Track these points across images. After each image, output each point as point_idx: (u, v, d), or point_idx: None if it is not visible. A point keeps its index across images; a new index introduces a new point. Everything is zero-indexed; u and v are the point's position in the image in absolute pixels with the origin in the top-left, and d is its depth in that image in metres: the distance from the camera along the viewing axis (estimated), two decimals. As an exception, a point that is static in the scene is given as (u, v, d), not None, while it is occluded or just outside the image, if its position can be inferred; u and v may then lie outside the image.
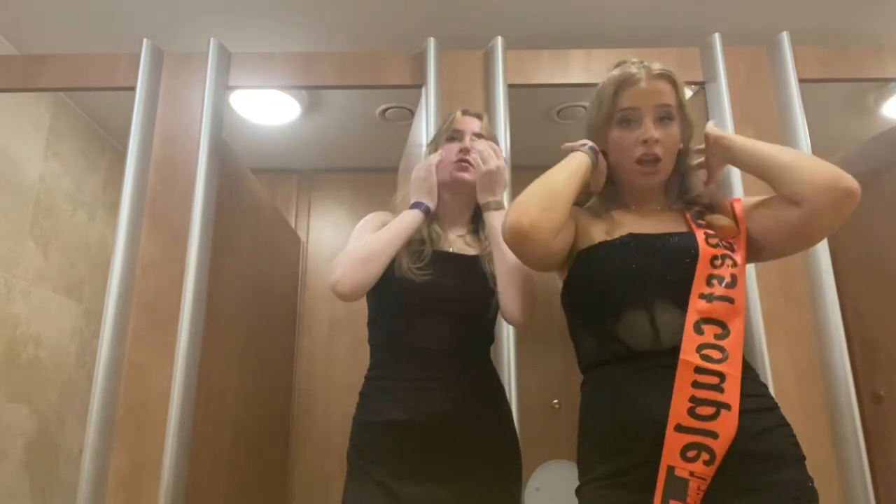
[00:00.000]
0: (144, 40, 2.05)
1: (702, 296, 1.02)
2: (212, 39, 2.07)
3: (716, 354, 0.97)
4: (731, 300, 1.01)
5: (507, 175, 1.47)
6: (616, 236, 1.11)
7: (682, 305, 1.02)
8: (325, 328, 3.14)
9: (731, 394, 0.95)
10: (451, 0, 2.19)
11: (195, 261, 1.84)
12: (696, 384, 0.95)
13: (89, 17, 2.23)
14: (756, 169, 1.07)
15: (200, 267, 1.85)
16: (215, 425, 1.99)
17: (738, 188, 1.85)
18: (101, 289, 1.95)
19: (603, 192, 1.21)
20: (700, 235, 1.08)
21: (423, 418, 1.27)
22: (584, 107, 2.75)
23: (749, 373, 1.03)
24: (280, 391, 2.86)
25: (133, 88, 2.00)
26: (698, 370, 0.96)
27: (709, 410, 0.94)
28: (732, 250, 1.07)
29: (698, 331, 0.99)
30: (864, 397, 2.13)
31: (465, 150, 1.41)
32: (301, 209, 3.34)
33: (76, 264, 2.77)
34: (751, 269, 1.80)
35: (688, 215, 1.15)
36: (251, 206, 2.43)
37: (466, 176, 1.40)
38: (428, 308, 1.32)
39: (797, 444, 1.00)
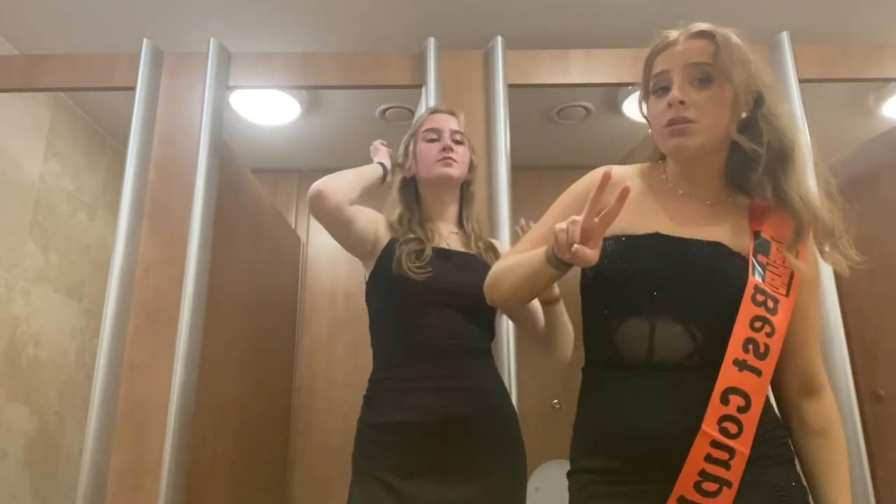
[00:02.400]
0: (144, 40, 2.05)
1: (735, 362, 0.92)
2: (212, 39, 2.07)
3: (733, 428, 0.89)
4: (758, 372, 0.92)
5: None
6: (642, 232, 1.00)
7: (687, 324, 0.95)
8: (325, 328, 3.14)
9: (736, 471, 0.88)
10: (451, 0, 2.19)
11: (195, 261, 1.84)
12: (708, 458, 0.88)
13: (89, 17, 2.23)
14: None
15: (200, 267, 1.85)
16: (215, 425, 1.99)
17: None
18: (101, 289, 1.95)
19: (662, 168, 1.09)
20: (750, 287, 0.95)
21: (430, 420, 1.27)
22: (584, 107, 2.77)
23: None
24: (280, 391, 2.86)
25: (133, 88, 2.00)
26: (714, 444, 0.88)
27: (713, 487, 0.88)
28: (774, 312, 0.94)
29: (724, 401, 0.90)
30: (864, 397, 2.13)
31: (448, 148, 1.44)
32: (301, 209, 3.34)
33: (76, 264, 2.77)
34: (751, 269, 1.80)
35: (752, 243, 1.00)
36: (251, 206, 2.43)
37: (451, 171, 1.43)
38: (432, 303, 1.32)
39: (786, 445, 0.97)
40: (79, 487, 1.68)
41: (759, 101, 0.99)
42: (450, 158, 1.43)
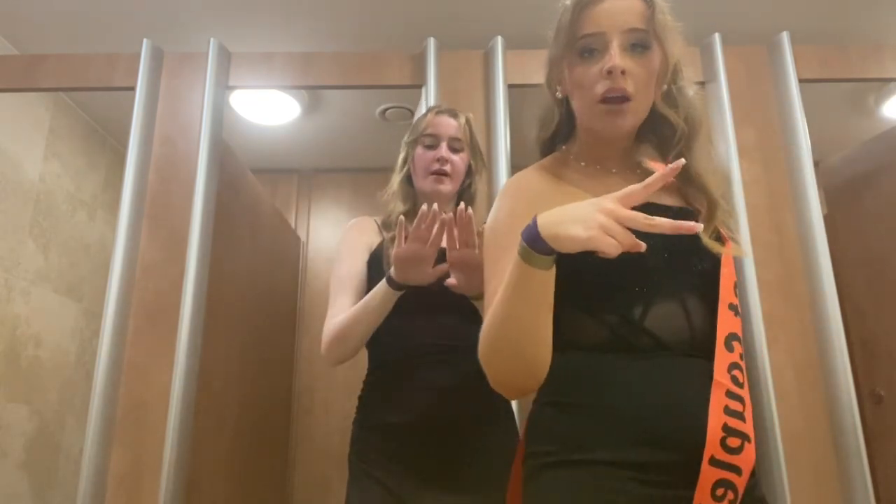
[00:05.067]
0: (144, 40, 2.05)
1: (730, 306, 0.87)
2: (212, 39, 2.07)
3: (740, 377, 0.84)
4: (737, 310, 0.88)
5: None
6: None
7: (707, 298, 0.88)
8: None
9: (750, 423, 0.82)
10: (451, 0, 2.20)
11: (195, 261, 1.84)
12: (727, 410, 0.81)
13: (89, 17, 2.23)
14: None
15: (200, 267, 1.85)
16: (215, 425, 1.99)
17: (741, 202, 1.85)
18: (101, 289, 1.95)
19: (571, 150, 0.99)
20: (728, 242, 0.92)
21: (423, 420, 1.27)
22: (584, 107, 2.77)
23: None
24: (280, 391, 2.86)
25: (133, 88, 2.00)
26: (729, 394, 0.82)
27: (736, 442, 0.80)
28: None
29: (729, 347, 0.85)
30: (864, 397, 2.14)
31: (442, 160, 1.40)
32: (301, 209, 3.34)
33: (76, 264, 2.77)
34: (750, 268, 1.80)
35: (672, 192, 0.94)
36: (251, 206, 2.43)
37: (441, 188, 1.40)
38: (422, 304, 1.31)
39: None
40: (79, 487, 1.68)
41: (675, 70, 0.93)
42: (442, 173, 1.40)
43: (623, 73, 0.86)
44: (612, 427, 0.83)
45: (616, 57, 0.86)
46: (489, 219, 0.95)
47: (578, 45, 0.89)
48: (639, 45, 0.88)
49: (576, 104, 0.94)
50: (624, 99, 0.87)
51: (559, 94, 0.96)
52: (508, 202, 0.94)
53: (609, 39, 0.87)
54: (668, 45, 0.89)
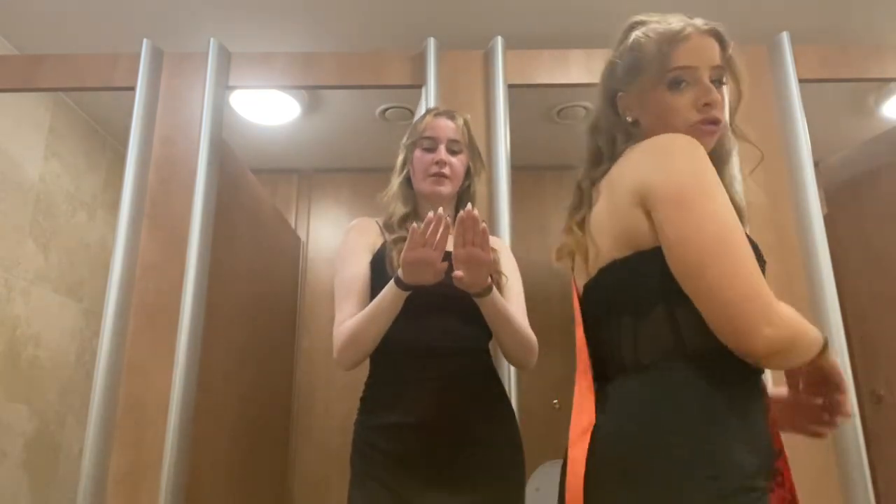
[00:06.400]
0: (144, 40, 2.05)
1: None
2: (212, 39, 2.07)
3: None
4: None
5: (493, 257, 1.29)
6: None
7: None
8: (324, 328, 3.12)
9: None
10: (451, 0, 2.20)
11: (195, 261, 1.84)
12: None
13: (89, 17, 2.23)
14: None
15: (200, 267, 1.85)
16: (215, 425, 1.99)
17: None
18: (101, 289, 1.95)
19: None
20: None
21: (425, 420, 1.27)
22: (584, 107, 2.76)
23: None
24: (280, 391, 2.86)
25: (133, 88, 2.00)
26: None
27: None
28: None
29: None
30: (864, 397, 2.14)
31: (441, 163, 1.41)
32: (301, 209, 3.34)
33: (76, 264, 2.77)
34: (751, 269, 1.80)
35: None
36: (251, 206, 2.43)
37: (441, 189, 1.41)
38: (425, 304, 1.31)
39: None
40: (79, 487, 1.68)
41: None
42: (441, 175, 1.41)
43: (718, 104, 0.97)
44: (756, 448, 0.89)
45: (713, 90, 0.96)
46: (695, 171, 0.88)
47: (669, 77, 0.97)
48: (717, 80, 0.98)
49: (660, 128, 0.97)
50: (717, 121, 0.97)
51: (629, 118, 1.03)
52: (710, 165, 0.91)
53: (701, 74, 0.96)
54: (741, 82, 1.01)
